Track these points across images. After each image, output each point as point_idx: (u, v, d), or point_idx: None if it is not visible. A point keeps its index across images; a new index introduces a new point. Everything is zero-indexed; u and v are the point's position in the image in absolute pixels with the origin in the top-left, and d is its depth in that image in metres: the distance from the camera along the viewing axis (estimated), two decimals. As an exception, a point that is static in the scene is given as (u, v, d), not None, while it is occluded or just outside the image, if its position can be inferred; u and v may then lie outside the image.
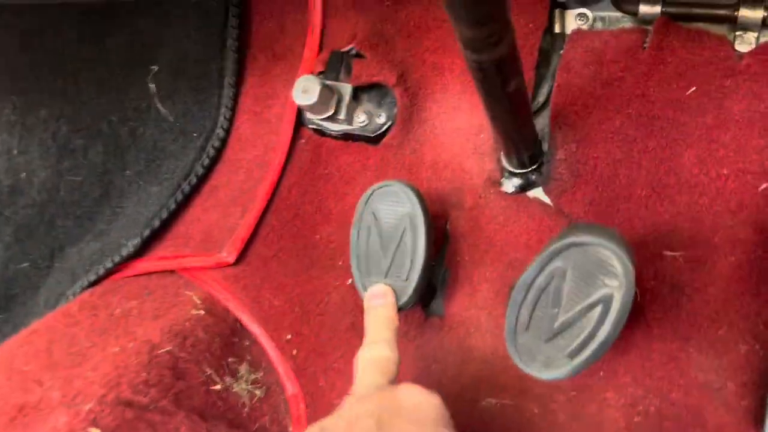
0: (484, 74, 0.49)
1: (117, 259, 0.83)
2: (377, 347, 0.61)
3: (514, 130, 0.61)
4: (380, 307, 0.67)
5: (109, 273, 0.84)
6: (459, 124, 0.83)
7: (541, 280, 0.55)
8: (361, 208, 0.73)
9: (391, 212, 0.71)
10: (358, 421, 0.49)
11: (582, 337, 0.54)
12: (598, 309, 0.53)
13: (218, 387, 0.73)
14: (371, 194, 0.73)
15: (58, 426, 0.59)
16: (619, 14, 0.81)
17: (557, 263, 0.54)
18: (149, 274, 0.84)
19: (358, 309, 0.80)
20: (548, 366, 0.56)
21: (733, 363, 0.64)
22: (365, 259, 0.72)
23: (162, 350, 0.69)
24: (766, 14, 0.73)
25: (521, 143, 0.68)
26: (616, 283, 0.52)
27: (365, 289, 0.71)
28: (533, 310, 0.56)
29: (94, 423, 0.60)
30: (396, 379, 0.58)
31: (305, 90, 0.79)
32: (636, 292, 0.67)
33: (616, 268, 0.52)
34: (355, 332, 0.80)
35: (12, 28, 1.13)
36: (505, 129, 0.62)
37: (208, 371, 0.72)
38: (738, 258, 0.68)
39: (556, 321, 0.55)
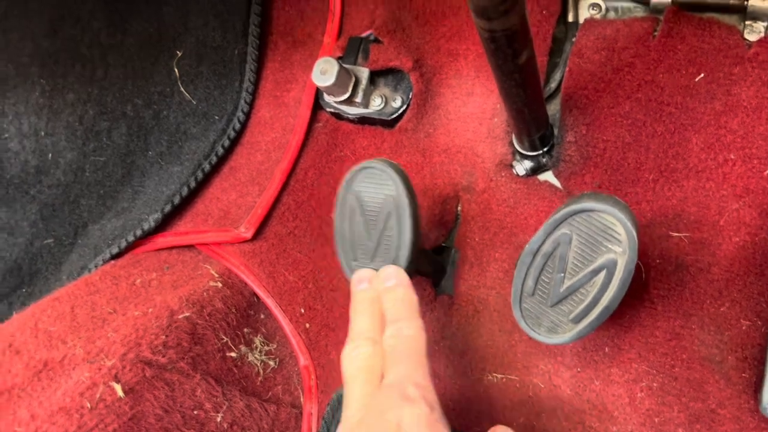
0: (495, 45, 0.51)
1: (138, 233, 0.86)
2: (358, 346, 0.58)
3: (525, 106, 0.63)
4: (364, 291, 0.64)
5: (130, 247, 0.87)
6: (472, 109, 0.85)
7: (547, 247, 0.56)
8: (343, 190, 0.69)
9: (374, 194, 0.68)
10: None
11: (586, 302, 0.55)
12: (602, 274, 0.54)
13: (234, 354, 0.75)
14: (353, 176, 0.69)
15: (81, 380, 0.61)
16: (631, 4, 0.83)
17: (563, 230, 0.55)
18: (169, 248, 0.87)
19: (370, 285, 0.82)
20: (553, 331, 0.58)
21: (734, 338, 0.65)
22: (351, 242, 0.69)
23: (181, 316, 0.71)
24: (775, 4, 0.74)
25: (532, 122, 0.70)
26: (619, 249, 0.54)
27: (352, 272, 0.68)
28: (539, 275, 0.57)
29: (116, 378, 0.62)
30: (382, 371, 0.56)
31: (324, 71, 0.82)
32: (641, 270, 0.69)
33: (620, 234, 0.53)
34: (367, 308, 0.82)
35: (39, 14, 1.17)
36: (517, 105, 0.63)
37: (225, 339, 0.75)
38: (742, 239, 0.69)
39: (561, 286, 0.56)
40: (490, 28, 0.49)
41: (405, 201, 0.66)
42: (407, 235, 0.65)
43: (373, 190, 0.68)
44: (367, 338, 0.58)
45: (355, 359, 0.57)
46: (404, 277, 0.64)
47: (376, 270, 0.66)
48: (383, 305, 0.62)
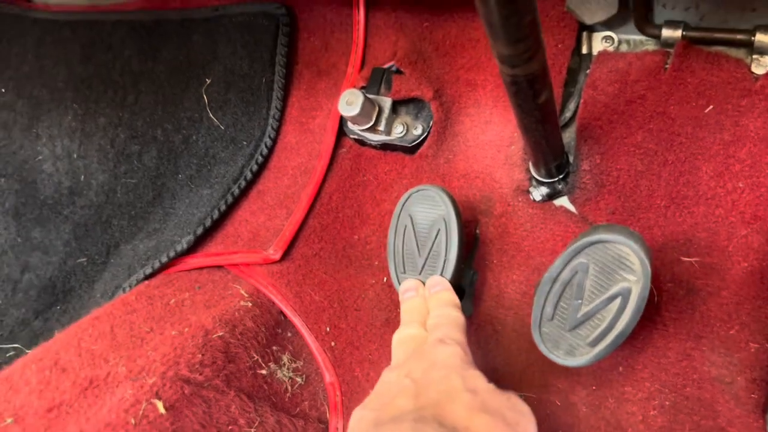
0: (517, 87, 0.55)
1: (171, 254, 0.90)
2: (407, 328, 0.68)
3: (543, 138, 0.67)
4: (412, 298, 0.73)
5: (162, 267, 0.91)
6: (490, 137, 0.89)
7: (565, 275, 0.60)
8: (399, 209, 0.79)
9: (426, 214, 0.77)
10: (396, 384, 0.55)
11: (602, 327, 0.59)
12: (618, 301, 0.58)
13: (264, 372, 0.79)
14: (408, 197, 0.79)
15: (125, 397, 0.65)
16: (643, 37, 0.87)
17: (580, 259, 0.59)
18: (200, 269, 0.91)
19: (393, 305, 0.86)
20: (571, 353, 0.61)
21: (744, 360, 0.68)
22: (401, 257, 0.78)
23: (215, 335, 0.75)
24: (781, 39, 0.78)
25: (549, 153, 0.74)
26: (634, 277, 0.57)
27: (400, 283, 0.77)
28: (558, 301, 0.61)
29: (157, 395, 0.66)
30: None
31: (349, 102, 0.86)
32: (654, 293, 0.73)
33: (634, 264, 0.57)
34: (389, 327, 0.86)
35: (72, 42, 1.22)
36: (535, 139, 0.67)
37: (255, 357, 0.79)
38: (751, 264, 0.72)
39: (578, 312, 0.60)
40: (513, 74, 0.53)
41: (454, 220, 0.75)
42: (454, 250, 0.74)
43: (426, 210, 0.77)
44: (416, 323, 0.68)
45: (403, 335, 0.67)
46: (448, 284, 0.73)
47: (422, 281, 0.75)
48: (429, 304, 0.71)
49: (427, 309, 0.71)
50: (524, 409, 0.53)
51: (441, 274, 0.75)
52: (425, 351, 0.60)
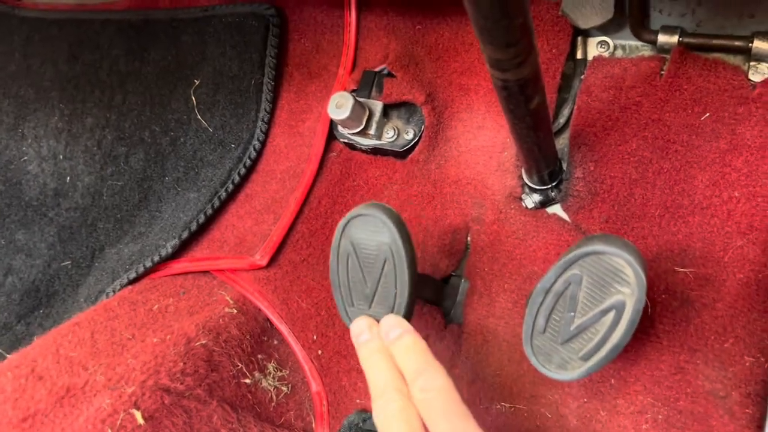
0: (508, 92, 0.54)
1: (156, 259, 0.88)
2: (390, 400, 0.56)
3: (536, 145, 0.65)
4: (369, 343, 0.63)
5: (147, 272, 0.89)
6: (483, 143, 0.87)
7: (558, 286, 0.58)
8: (338, 236, 0.68)
9: (369, 241, 0.66)
10: None
11: (596, 340, 0.57)
12: (611, 314, 0.56)
13: (248, 381, 0.77)
14: (347, 222, 0.67)
15: (102, 407, 0.63)
16: (638, 43, 0.85)
17: (574, 270, 0.57)
18: (185, 274, 0.89)
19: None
20: (563, 367, 0.60)
21: (738, 374, 0.67)
22: (347, 288, 0.68)
23: (197, 343, 0.73)
24: (778, 46, 0.77)
25: (542, 159, 0.72)
26: (628, 290, 0.55)
27: (350, 319, 0.68)
28: (550, 314, 0.59)
29: (136, 405, 0.64)
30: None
31: (339, 105, 0.84)
32: (647, 305, 0.71)
33: (628, 276, 0.55)
34: (378, 336, 0.84)
35: (60, 40, 1.20)
36: (527, 145, 0.66)
37: (239, 365, 0.77)
38: (746, 276, 0.71)
39: (571, 325, 0.58)
40: (503, 78, 0.51)
41: (401, 249, 0.64)
42: (406, 284, 0.64)
43: (368, 237, 0.66)
44: (395, 389, 0.56)
45: (390, 416, 0.54)
46: (408, 325, 0.63)
47: (374, 317, 0.66)
48: (396, 358, 0.60)
49: (393, 361, 0.60)
50: None
51: (394, 307, 0.65)
52: None
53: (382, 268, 0.65)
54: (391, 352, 0.61)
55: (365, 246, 0.66)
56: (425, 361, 0.58)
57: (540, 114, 0.59)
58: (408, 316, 0.65)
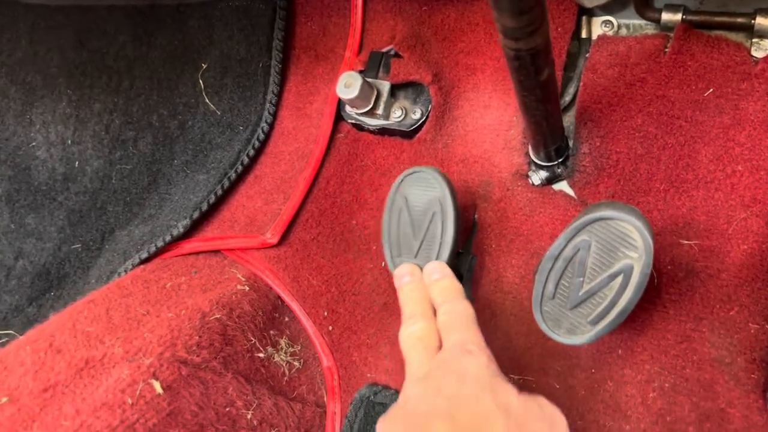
0: (520, 63, 0.55)
1: (167, 238, 0.89)
2: (413, 323, 0.64)
3: (544, 119, 0.67)
4: (409, 283, 0.71)
5: (158, 252, 0.90)
6: (489, 121, 0.89)
7: (567, 252, 0.60)
8: (393, 192, 0.78)
9: (421, 196, 0.76)
10: (427, 404, 0.53)
11: (604, 304, 0.59)
12: (619, 279, 0.58)
13: (261, 355, 0.78)
14: (403, 179, 0.77)
15: (121, 377, 0.64)
16: (642, 21, 0.86)
17: (582, 236, 0.59)
18: (196, 254, 0.91)
19: (390, 290, 0.86)
20: (572, 332, 0.61)
21: (743, 341, 0.68)
22: (396, 240, 0.77)
23: (212, 317, 0.75)
24: (781, 23, 0.78)
25: (549, 135, 0.73)
26: (635, 255, 0.57)
27: (395, 267, 0.75)
28: (559, 279, 0.61)
29: (154, 376, 0.65)
30: (440, 345, 0.61)
31: (348, 84, 0.86)
32: (654, 276, 0.73)
33: (636, 241, 0.57)
34: (387, 312, 0.85)
35: (66, 28, 1.21)
36: (536, 119, 0.67)
37: (253, 340, 0.78)
38: (750, 247, 0.72)
39: (580, 290, 0.60)
40: (516, 48, 0.52)
41: (449, 201, 0.74)
42: (450, 233, 0.73)
43: (421, 192, 0.76)
44: (422, 315, 0.64)
45: (411, 334, 0.62)
46: (448, 270, 0.71)
47: (418, 265, 0.73)
48: (431, 294, 0.68)
49: (428, 296, 0.68)
50: (556, 417, 0.53)
51: (437, 258, 0.74)
52: (449, 361, 0.57)
53: (430, 221, 0.74)
54: (428, 292, 0.68)
55: (417, 200, 0.76)
56: (456, 296, 0.65)
57: (549, 86, 0.61)
58: (451, 263, 0.73)
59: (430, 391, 0.54)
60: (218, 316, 0.76)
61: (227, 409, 0.70)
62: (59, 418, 0.61)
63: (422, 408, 0.53)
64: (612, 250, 0.58)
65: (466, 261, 0.87)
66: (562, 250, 0.60)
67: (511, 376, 0.78)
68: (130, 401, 0.63)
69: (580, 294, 0.59)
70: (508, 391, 0.53)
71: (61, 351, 0.69)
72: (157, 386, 0.65)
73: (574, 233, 0.59)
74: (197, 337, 0.72)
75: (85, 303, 0.79)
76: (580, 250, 0.59)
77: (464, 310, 0.63)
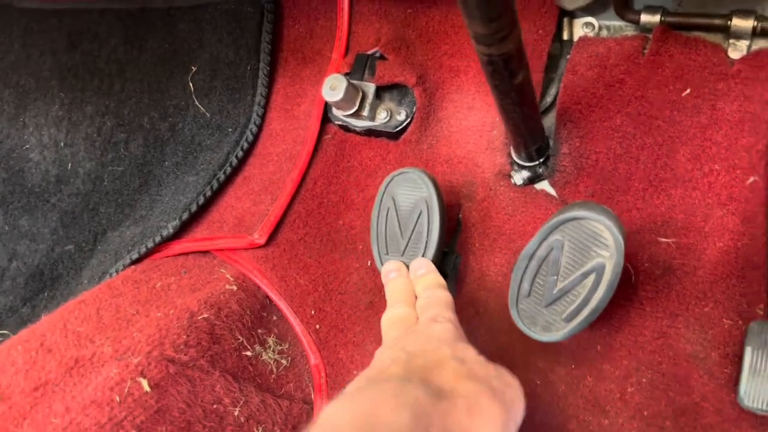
0: (493, 67, 0.56)
1: (157, 239, 0.91)
2: (395, 308, 0.68)
3: (522, 121, 0.68)
4: (396, 278, 0.74)
5: (149, 253, 0.92)
6: (473, 122, 0.90)
7: (541, 252, 0.61)
8: (381, 191, 0.81)
9: (408, 196, 0.79)
10: (389, 357, 0.56)
11: (577, 302, 0.60)
12: (592, 277, 0.59)
13: (249, 353, 0.80)
14: (391, 180, 0.80)
15: (110, 376, 0.66)
16: (622, 23, 0.88)
17: (556, 236, 0.60)
18: (186, 254, 0.92)
19: (376, 289, 0.87)
20: (547, 329, 0.63)
21: (717, 336, 0.70)
22: (384, 239, 0.80)
23: (200, 317, 0.76)
24: (756, 24, 0.79)
25: (528, 135, 0.75)
26: (607, 253, 0.58)
27: (383, 264, 0.78)
28: (534, 278, 0.62)
29: (142, 374, 0.67)
30: None
31: (333, 87, 0.87)
32: (631, 273, 0.74)
33: (607, 240, 0.58)
34: (373, 310, 0.87)
35: (58, 31, 1.22)
36: (513, 121, 0.68)
37: (240, 338, 0.80)
38: (726, 244, 0.74)
39: (554, 288, 0.61)
40: (488, 53, 0.54)
41: (435, 201, 0.76)
42: (435, 232, 0.76)
43: (408, 192, 0.79)
44: (404, 303, 0.68)
45: (392, 316, 0.67)
46: (432, 267, 0.74)
47: (404, 263, 0.76)
48: (416, 288, 0.72)
49: (413, 289, 0.72)
50: (512, 381, 0.55)
51: (423, 256, 0.76)
52: (418, 329, 0.61)
53: (417, 220, 0.77)
54: (413, 286, 0.72)
55: (404, 200, 0.79)
56: (437, 287, 0.69)
57: (524, 89, 0.62)
58: (437, 261, 0.76)
59: (395, 349, 0.57)
60: (206, 315, 0.77)
61: (214, 406, 0.72)
62: (49, 416, 0.63)
63: (383, 361, 0.56)
64: (584, 249, 0.59)
65: (451, 260, 0.88)
66: (537, 249, 0.61)
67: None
68: (118, 399, 0.64)
69: (554, 292, 0.61)
70: (466, 349, 0.56)
71: (52, 350, 0.71)
72: (145, 384, 0.66)
73: (547, 233, 0.61)
74: (185, 336, 0.73)
75: (76, 303, 0.81)
76: (553, 249, 0.60)
77: (443, 296, 0.67)
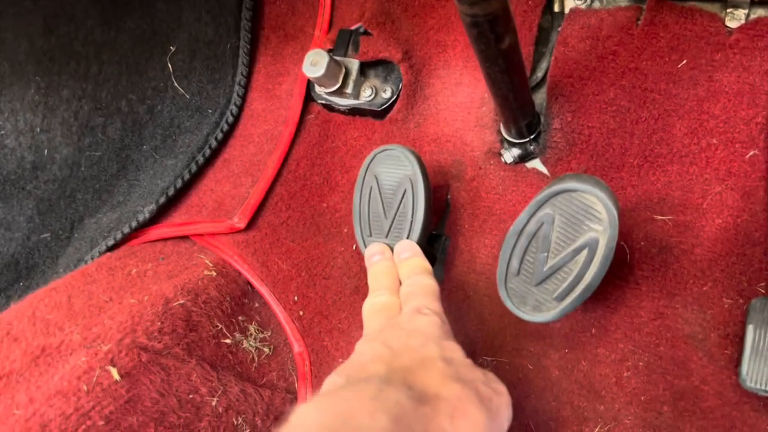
0: (478, 30, 0.53)
1: (134, 224, 0.87)
2: (378, 295, 0.65)
3: (511, 91, 0.65)
4: (379, 262, 0.70)
5: (125, 239, 0.88)
6: (461, 99, 0.86)
7: (531, 227, 0.58)
8: (364, 170, 0.77)
9: (392, 174, 0.75)
10: (370, 352, 0.53)
11: (569, 280, 0.57)
12: (585, 252, 0.56)
13: (228, 341, 0.77)
14: (373, 157, 0.76)
15: (78, 364, 0.62)
16: (615, -6, 0.84)
17: (546, 210, 0.57)
18: (164, 240, 0.89)
19: (362, 273, 0.84)
20: (538, 309, 0.59)
21: (716, 316, 0.67)
22: (367, 219, 0.76)
23: (175, 303, 0.73)
24: (755, -8, 0.76)
25: (518, 109, 0.71)
26: (600, 227, 0.55)
27: (366, 247, 0.74)
28: (523, 255, 0.59)
29: (112, 363, 0.64)
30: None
31: (314, 63, 0.83)
32: (626, 252, 0.71)
33: (600, 213, 0.55)
34: (359, 296, 0.83)
35: (33, 13, 1.18)
36: (502, 92, 0.65)
37: (219, 326, 0.76)
38: (725, 221, 0.70)
39: (545, 265, 0.58)
40: (472, 13, 0.50)
41: (420, 179, 0.72)
42: (420, 212, 0.72)
43: (391, 170, 0.75)
44: (387, 289, 0.65)
45: (374, 304, 0.64)
46: (417, 249, 0.71)
47: (389, 245, 0.72)
48: (400, 272, 0.68)
49: (397, 274, 0.69)
50: (500, 388, 0.52)
51: (408, 237, 0.73)
52: (402, 321, 0.58)
53: (401, 199, 0.73)
54: (397, 270, 0.68)
55: (387, 178, 0.75)
56: (422, 273, 0.66)
57: (512, 56, 0.59)
58: (422, 242, 0.72)
59: (377, 343, 0.54)
60: (182, 301, 0.74)
61: (190, 396, 0.69)
62: (11, 408, 0.59)
63: (364, 356, 0.53)
64: (576, 223, 0.56)
65: (439, 242, 0.85)
66: (526, 224, 0.58)
67: (485, 357, 0.76)
68: (85, 389, 0.61)
69: (545, 270, 0.57)
70: (454, 349, 0.53)
71: (18, 339, 0.67)
72: (115, 373, 0.63)
73: (537, 207, 0.57)
74: (159, 323, 0.70)
75: (47, 291, 0.77)
76: (543, 224, 0.57)
77: (428, 283, 0.64)
